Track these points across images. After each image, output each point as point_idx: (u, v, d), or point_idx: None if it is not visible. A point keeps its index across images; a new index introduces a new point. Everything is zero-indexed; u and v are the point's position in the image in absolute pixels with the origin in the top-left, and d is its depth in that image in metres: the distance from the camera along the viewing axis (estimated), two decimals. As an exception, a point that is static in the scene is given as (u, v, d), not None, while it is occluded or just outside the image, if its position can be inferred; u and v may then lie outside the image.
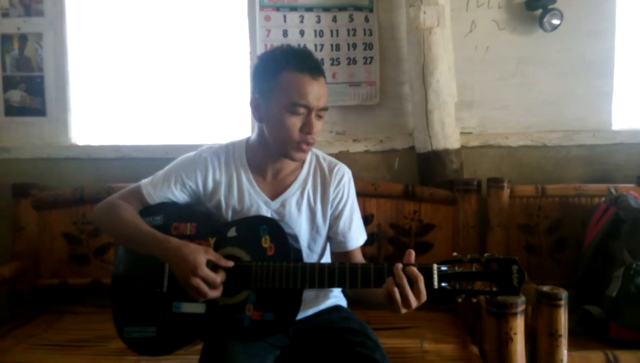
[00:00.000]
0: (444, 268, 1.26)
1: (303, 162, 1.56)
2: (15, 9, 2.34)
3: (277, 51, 1.46)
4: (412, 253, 1.29)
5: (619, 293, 1.76)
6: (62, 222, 2.21)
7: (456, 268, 1.26)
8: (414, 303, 1.23)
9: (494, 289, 1.25)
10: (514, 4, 2.29)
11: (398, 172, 2.35)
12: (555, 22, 2.20)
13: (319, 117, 1.44)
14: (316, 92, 1.39)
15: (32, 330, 1.98)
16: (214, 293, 1.35)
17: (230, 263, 1.38)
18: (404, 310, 1.24)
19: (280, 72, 1.40)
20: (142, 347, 1.47)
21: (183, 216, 1.51)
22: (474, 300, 1.26)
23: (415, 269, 1.24)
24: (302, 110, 1.39)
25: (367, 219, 2.14)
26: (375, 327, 1.57)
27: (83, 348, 1.82)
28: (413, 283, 1.23)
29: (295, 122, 1.40)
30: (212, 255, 1.36)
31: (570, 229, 2.15)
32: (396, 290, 1.22)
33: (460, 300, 1.26)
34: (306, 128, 1.41)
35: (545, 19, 2.20)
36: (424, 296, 1.23)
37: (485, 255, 1.26)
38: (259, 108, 1.47)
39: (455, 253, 1.28)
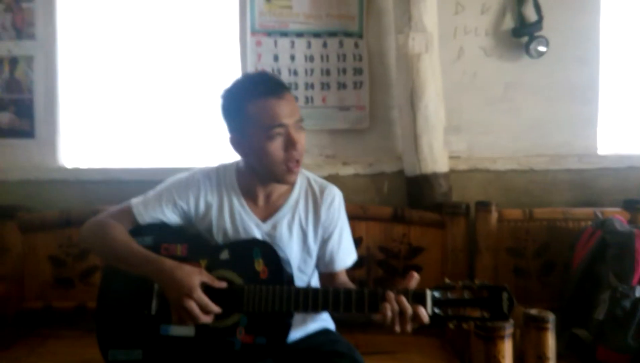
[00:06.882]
0: (437, 294, 1.28)
1: (294, 184, 1.55)
2: (6, 32, 2.34)
3: (236, 86, 1.45)
4: (415, 275, 1.30)
5: (606, 316, 1.77)
6: (47, 245, 2.18)
7: (448, 294, 1.28)
8: (410, 328, 1.25)
9: (485, 315, 1.26)
10: (501, 31, 2.34)
11: (387, 195, 2.36)
12: (542, 48, 2.25)
13: (300, 128, 1.42)
14: (286, 109, 1.39)
15: (16, 354, 1.93)
16: (206, 319, 1.33)
17: (224, 284, 1.36)
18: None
19: (245, 106, 1.39)
20: None
21: (173, 238, 1.49)
22: (465, 326, 1.27)
23: (424, 310, 1.25)
24: (280, 130, 1.38)
25: (356, 242, 2.09)
26: (365, 350, 1.56)
27: (67, 372, 1.79)
28: (416, 317, 1.25)
29: (277, 145, 1.39)
30: (207, 277, 1.35)
31: (557, 252, 2.16)
32: (397, 320, 1.25)
33: (452, 326, 1.27)
34: (290, 144, 1.40)
35: (531, 46, 2.24)
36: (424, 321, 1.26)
37: (477, 282, 1.28)
38: (239, 145, 1.46)
39: (447, 279, 1.30)
